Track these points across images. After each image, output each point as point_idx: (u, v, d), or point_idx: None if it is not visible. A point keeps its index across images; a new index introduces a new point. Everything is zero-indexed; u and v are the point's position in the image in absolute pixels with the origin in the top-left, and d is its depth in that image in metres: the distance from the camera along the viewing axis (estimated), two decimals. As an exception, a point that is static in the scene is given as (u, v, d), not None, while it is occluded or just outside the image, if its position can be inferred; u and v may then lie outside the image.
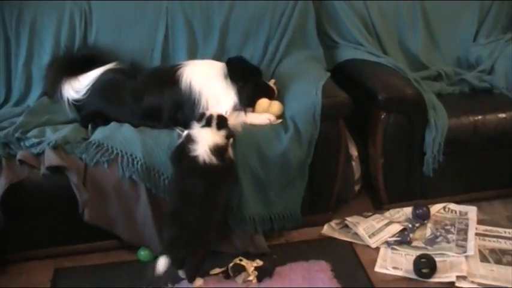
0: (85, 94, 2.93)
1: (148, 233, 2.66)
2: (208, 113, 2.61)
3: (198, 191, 2.45)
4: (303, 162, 2.70)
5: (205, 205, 2.47)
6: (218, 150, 2.51)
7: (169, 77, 2.80)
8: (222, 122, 2.58)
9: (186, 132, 2.62)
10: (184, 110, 2.77)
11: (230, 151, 2.57)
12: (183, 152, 2.52)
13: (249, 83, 2.79)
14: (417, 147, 2.91)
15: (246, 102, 2.77)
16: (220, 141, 2.53)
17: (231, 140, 2.59)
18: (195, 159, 2.48)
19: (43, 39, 3.11)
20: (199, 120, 2.59)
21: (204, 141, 2.51)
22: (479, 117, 2.93)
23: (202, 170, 2.47)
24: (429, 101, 2.91)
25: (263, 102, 2.84)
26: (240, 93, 2.75)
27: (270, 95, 2.88)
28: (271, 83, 3.04)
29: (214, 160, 2.48)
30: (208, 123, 2.56)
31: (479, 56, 3.38)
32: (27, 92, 3.11)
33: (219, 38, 3.17)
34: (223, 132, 2.55)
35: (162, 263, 2.41)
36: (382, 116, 2.84)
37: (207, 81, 2.77)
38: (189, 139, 2.53)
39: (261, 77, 2.91)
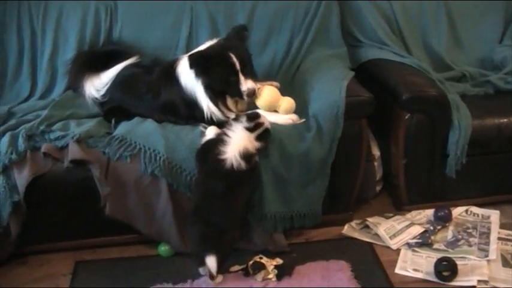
0: (105, 94, 2.97)
1: (167, 228, 2.67)
2: (261, 119, 2.59)
3: (221, 192, 2.46)
4: (324, 160, 2.69)
5: (227, 205, 2.48)
6: (247, 156, 2.50)
7: (172, 74, 2.79)
8: (265, 135, 2.57)
9: (210, 127, 2.63)
10: (196, 107, 2.75)
11: (256, 156, 2.57)
12: (210, 151, 2.52)
13: (212, 77, 2.66)
14: (439, 148, 2.89)
15: (218, 97, 2.69)
16: (251, 149, 2.53)
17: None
18: (222, 162, 2.48)
19: (68, 34, 3.15)
20: (249, 120, 2.57)
21: (236, 145, 2.50)
22: (504, 119, 2.90)
23: (227, 173, 2.47)
24: (453, 101, 2.88)
25: (271, 96, 2.73)
26: (207, 88, 2.68)
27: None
28: (274, 84, 2.88)
29: (242, 165, 2.48)
30: (254, 129, 2.55)
31: (505, 57, 3.33)
32: (52, 86, 3.16)
33: (242, 35, 3.16)
34: (258, 145, 2.55)
35: (212, 262, 2.42)
36: (405, 116, 2.82)
37: (192, 77, 2.70)
38: (221, 139, 2.52)
39: (228, 70, 2.65)
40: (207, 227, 2.45)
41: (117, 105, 2.93)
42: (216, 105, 2.69)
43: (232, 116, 2.69)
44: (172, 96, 2.78)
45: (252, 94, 2.67)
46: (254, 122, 2.57)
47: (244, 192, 2.57)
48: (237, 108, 2.75)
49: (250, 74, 2.70)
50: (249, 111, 2.67)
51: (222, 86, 2.68)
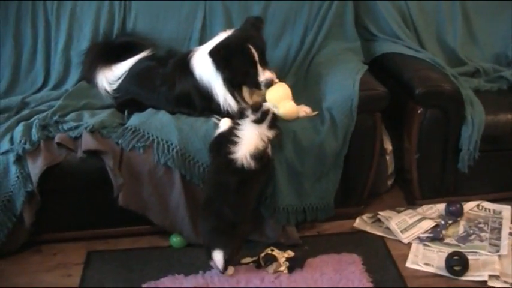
0: (117, 88, 2.97)
1: (181, 219, 2.68)
2: (265, 107, 2.55)
3: (232, 187, 2.46)
4: (338, 154, 2.69)
5: (239, 199, 2.48)
6: (258, 155, 2.49)
7: (187, 65, 2.79)
8: (275, 121, 2.55)
9: (224, 120, 2.63)
10: (210, 99, 2.75)
11: (269, 149, 2.56)
12: (222, 146, 2.51)
13: (231, 69, 2.64)
14: (453, 143, 2.89)
15: (234, 89, 2.69)
16: (262, 145, 2.51)
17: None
18: (233, 160, 2.47)
19: (83, 24, 3.17)
20: (254, 111, 2.54)
21: (247, 144, 2.48)
22: (518, 115, 2.89)
23: (238, 170, 2.47)
24: (467, 96, 2.87)
25: (275, 96, 2.67)
26: (226, 81, 2.67)
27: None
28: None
29: (252, 165, 2.47)
30: (262, 119, 2.53)
31: (519, 53, 3.33)
32: (66, 77, 3.17)
33: (256, 27, 3.16)
34: (271, 134, 2.53)
35: (219, 258, 2.43)
36: (419, 111, 2.82)
37: (210, 69, 2.69)
38: (232, 136, 2.50)
39: (247, 62, 2.65)
40: (218, 219, 2.45)
41: (130, 97, 2.93)
42: (234, 97, 2.68)
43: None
44: (187, 88, 2.78)
45: (270, 84, 2.66)
46: (260, 112, 2.54)
47: (256, 186, 2.56)
48: (252, 99, 2.74)
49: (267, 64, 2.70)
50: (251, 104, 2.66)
51: (241, 77, 2.67)
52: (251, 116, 2.54)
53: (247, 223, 2.57)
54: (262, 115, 2.53)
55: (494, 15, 3.43)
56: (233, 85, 2.68)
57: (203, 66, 2.71)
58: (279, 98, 2.67)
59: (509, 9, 3.43)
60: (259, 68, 2.66)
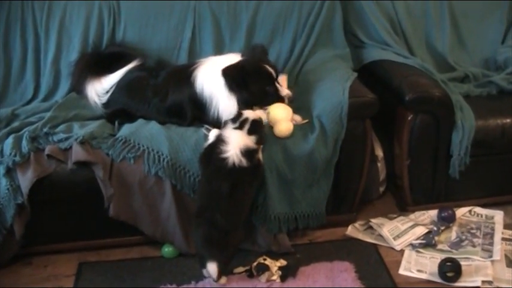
0: (107, 102, 2.97)
1: (172, 230, 2.68)
2: (244, 115, 2.57)
3: (225, 192, 2.46)
4: (328, 161, 2.68)
5: (232, 206, 2.48)
6: (249, 153, 2.50)
7: (187, 76, 2.79)
8: (255, 127, 2.55)
9: (213, 131, 2.62)
10: (204, 111, 2.76)
11: (260, 154, 2.57)
12: (212, 153, 2.51)
13: (249, 90, 2.67)
14: (443, 148, 2.89)
15: (246, 108, 2.68)
16: (251, 145, 2.52)
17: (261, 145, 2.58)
18: (224, 161, 2.47)
19: (72, 35, 3.15)
20: (233, 120, 2.57)
21: (236, 142, 2.49)
22: (507, 120, 2.90)
23: (230, 172, 2.47)
24: (456, 102, 2.88)
25: (277, 115, 2.70)
26: (239, 100, 2.68)
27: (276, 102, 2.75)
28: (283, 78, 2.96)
29: (244, 162, 2.48)
30: (241, 126, 2.54)
31: (508, 58, 3.33)
32: (56, 88, 3.16)
33: (245, 35, 3.17)
34: (253, 138, 2.53)
35: (213, 269, 2.44)
36: (409, 117, 2.82)
37: (216, 85, 2.70)
38: (220, 140, 2.52)
39: (266, 81, 2.71)
40: (212, 228, 2.45)
41: (120, 108, 2.92)
42: None
43: None
44: (180, 99, 2.79)
45: (292, 99, 2.73)
46: (239, 120, 2.56)
47: (249, 192, 2.56)
48: None
49: None
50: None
51: (259, 98, 2.70)
52: (231, 125, 2.56)
53: (240, 231, 2.57)
54: (241, 123, 2.55)
55: (482, 20, 3.45)
56: (248, 105, 2.68)
57: (208, 80, 2.72)
58: (280, 118, 2.69)
59: (497, 13, 3.45)
60: (278, 85, 2.72)
